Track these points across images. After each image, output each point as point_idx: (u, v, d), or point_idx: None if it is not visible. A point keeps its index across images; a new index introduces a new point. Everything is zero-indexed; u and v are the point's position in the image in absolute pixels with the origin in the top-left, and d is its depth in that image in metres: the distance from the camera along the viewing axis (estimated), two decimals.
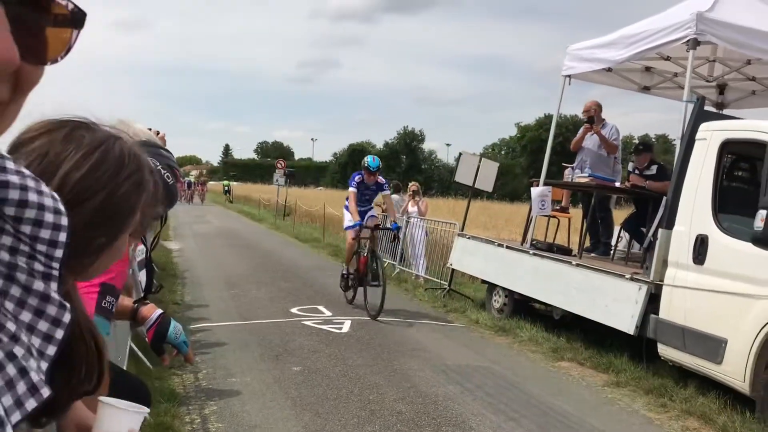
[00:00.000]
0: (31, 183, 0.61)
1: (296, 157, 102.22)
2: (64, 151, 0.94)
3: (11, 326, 0.58)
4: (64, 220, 0.65)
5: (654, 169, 8.04)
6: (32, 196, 0.61)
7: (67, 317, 0.65)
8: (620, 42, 7.78)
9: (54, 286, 0.63)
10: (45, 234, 0.63)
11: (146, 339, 2.43)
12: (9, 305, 0.59)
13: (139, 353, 5.70)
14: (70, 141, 0.95)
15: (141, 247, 5.24)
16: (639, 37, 7.42)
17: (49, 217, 0.63)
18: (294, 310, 8.95)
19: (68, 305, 0.65)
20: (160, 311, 2.43)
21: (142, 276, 5.31)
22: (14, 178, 0.59)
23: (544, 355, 7.27)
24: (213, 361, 6.35)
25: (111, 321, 2.29)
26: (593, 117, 8.63)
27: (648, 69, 9.18)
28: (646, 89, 9.55)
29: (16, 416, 0.57)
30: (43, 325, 0.63)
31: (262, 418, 4.90)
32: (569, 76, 8.90)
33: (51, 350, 0.64)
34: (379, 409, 5.19)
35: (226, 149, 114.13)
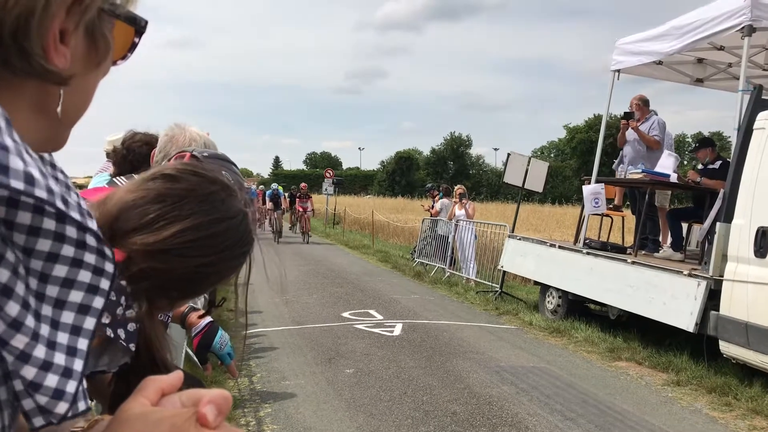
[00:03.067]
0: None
1: (344, 167, 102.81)
2: (198, 207, 0.98)
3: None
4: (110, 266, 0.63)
5: (718, 164, 7.80)
6: (73, 198, 0.62)
7: (105, 283, 0.59)
8: (670, 33, 7.59)
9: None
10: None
11: (191, 345, 2.41)
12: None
13: (195, 357, 5.78)
14: (208, 201, 1.00)
15: None
16: (690, 28, 7.23)
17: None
18: (346, 315, 8.98)
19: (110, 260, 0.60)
20: (208, 319, 2.40)
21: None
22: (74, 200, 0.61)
23: (600, 356, 7.12)
24: (267, 364, 6.41)
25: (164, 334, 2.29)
26: (632, 112, 8.45)
27: (700, 60, 8.95)
28: (698, 82, 9.31)
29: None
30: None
31: (316, 420, 4.91)
32: (618, 70, 8.73)
33: (89, 323, 0.58)
34: (433, 410, 5.15)
35: (276, 161, 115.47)
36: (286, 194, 25.04)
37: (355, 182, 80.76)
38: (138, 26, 0.70)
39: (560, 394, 5.69)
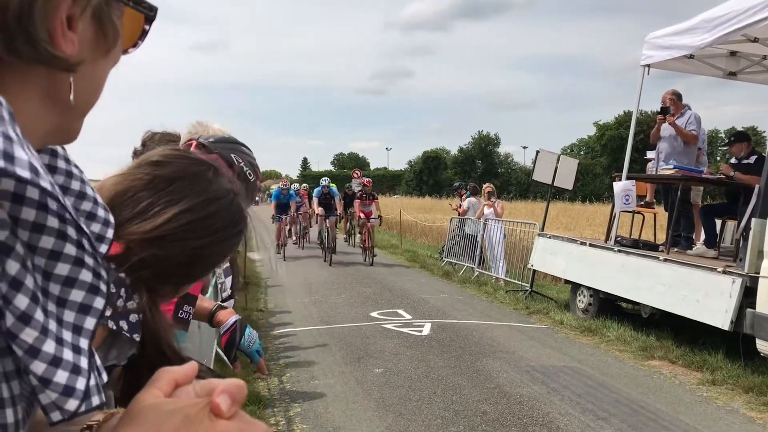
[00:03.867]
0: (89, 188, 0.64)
1: (372, 167, 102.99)
2: (188, 190, 0.99)
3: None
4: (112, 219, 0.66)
5: (752, 159, 7.64)
6: (89, 191, 0.64)
7: (104, 286, 0.58)
8: (702, 26, 7.44)
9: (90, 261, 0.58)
10: (95, 227, 0.64)
11: (220, 343, 2.42)
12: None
13: (225, 357, 5.82)
14: (197, 182, 1.00)
15: None
16: (722, 20, 7.07)
17: (101, 212, 0.65)
18: (374, 314, 8.97)
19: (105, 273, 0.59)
20: (236, 317, 2.39)
21: (228, 282, 5.42)
22: (76, 171, 0.63)
23: (633, 354, 7.01)
24: (296, 364, 6.43)
25: (187, 330, 2.30)
26: (667, 107, 8.30)
27: (733, 53, 8.76)
28: (732, 75, 9.10)
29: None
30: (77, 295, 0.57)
31: (345, 419, 4.91)
32: (648, 65, 8.59)
33: (90, 323, 0.58)
34: (463, 410, 5.12)
35: (304, 162, 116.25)
36: (341, 194, 18.18)
37: (382, 182, 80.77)
38: (148, 13, 0.69)
39: (592, 393, 5.62)
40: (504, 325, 8.47)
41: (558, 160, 10.82)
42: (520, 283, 11.18)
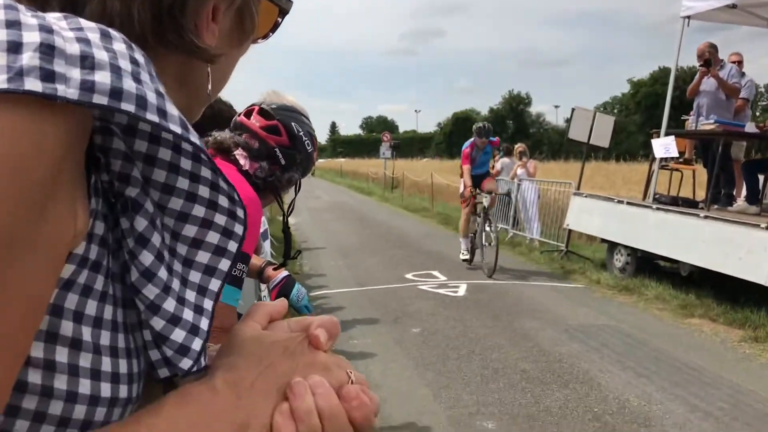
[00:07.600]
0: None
1: (401, 130, 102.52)
2: None
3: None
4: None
5: None
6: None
7: (233, 246, 0.57)
8: None
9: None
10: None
11: (269, 299, 2.49)
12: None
13: None
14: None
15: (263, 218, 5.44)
16: None
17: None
18: (409, 276, 9.00)
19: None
20: (285, 273, 2.47)
21: (266, 246, 5.49)
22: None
23: (672, 313, 6.94)
24: None
25: (241, 288, 2.34)
26: (709, 60, 8.03)
27: None
28: None
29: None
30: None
31: (385, 377, 4.96)
32: (689, 17, 8.33)
33: (215, 285, 0.57)
34: (503, 368, 5.13)
35: (333, 127, 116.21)
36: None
37: (412, 145, 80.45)
38: (284, 7, 0.70)
39: (632, 351, 5.59)
40: (540, 285, 8.43)
41: (594, 117, 10.62)
42: (556, 243, 11.10)
